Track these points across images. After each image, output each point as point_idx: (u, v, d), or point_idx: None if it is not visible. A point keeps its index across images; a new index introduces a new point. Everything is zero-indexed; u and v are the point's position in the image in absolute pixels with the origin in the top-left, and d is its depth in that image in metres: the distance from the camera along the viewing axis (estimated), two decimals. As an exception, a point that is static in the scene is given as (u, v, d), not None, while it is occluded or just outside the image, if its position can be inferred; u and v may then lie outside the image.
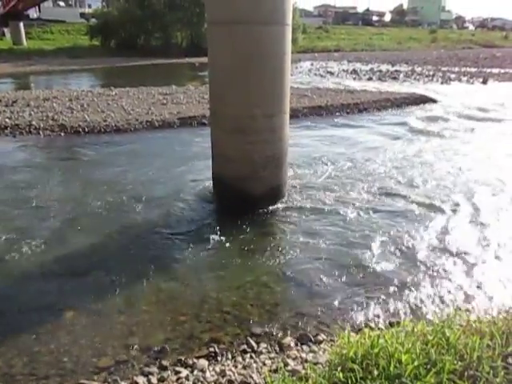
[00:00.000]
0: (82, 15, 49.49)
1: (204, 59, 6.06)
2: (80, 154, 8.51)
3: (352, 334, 3.15)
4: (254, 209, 5.73)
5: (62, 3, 53.34)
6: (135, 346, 3.31)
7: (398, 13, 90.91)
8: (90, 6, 53.97)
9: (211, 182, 6.41)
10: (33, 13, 44.88)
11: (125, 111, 11.64)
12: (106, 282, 4.19)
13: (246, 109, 5.59)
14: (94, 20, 41.05)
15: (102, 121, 10.52)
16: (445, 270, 4.51)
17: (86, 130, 10.04)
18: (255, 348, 3.27)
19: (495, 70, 26.30)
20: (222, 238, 5.10)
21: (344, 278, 4.32)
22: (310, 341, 3.35)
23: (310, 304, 3.91)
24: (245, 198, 5.72)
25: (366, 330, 2.49)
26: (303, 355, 3.12)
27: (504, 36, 68.97)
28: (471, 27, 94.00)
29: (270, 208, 5.87)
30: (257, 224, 5.46)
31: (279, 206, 5.98)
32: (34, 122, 10.22)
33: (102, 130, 10.11)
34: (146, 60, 30.68)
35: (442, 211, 5.94)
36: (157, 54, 32.94)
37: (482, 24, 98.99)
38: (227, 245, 4.92)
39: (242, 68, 5.45)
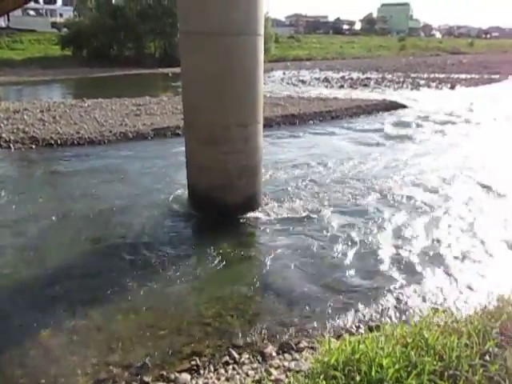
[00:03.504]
0: (53, 25, 48.72)
1: (177, 69, 6.07)
2: (52, 168, 8.35)
3: (333, 340, 3.17)
4: (230, 218, 5.73)
5: (32, 12, 52.39)
6: (115, 363, 3.24)
7: (368, 21, 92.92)
8: (61, 16, 53.17)
9: (187, 192, 6.38)
10: (1, 22, 43.92)
11: (98, 123, 11.49)
12: (82, 299, 4.10)
13: (220, 119, 5.61)
14: (65, 29, 40.47)
15: (74, 133, 10.34)
16: (420, 271, 4.61)
17: (59, 142, 9.85)
18: (237, 359, 3.25)
19: (462, 76, 27.13)
20: (199, 249, 5.07)
21: (322, 285, 4.35)
22: (292, 349, 3.35)
23: (290, 312, 3.92)
24: (221, 208, 5.71)
25: (347, 336, 2.51)
26: (286, 364, 3.12)
27: (469, 43, 71.29)
28: (438, 35, 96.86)
29: (246, 217, 5.88)
30: (233, 234, 5.45)
31: (255, 215, 5.98)
32: (3, 135, 9.96)
33: (75, 142, 9.93)
34: (119, 70, 30.40)
35: (416, 213, 6.06)
36: (130, 64, 32.67)
37: (449, 32, 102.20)
38: (204, 256, 4.89)
39: (214, 78, 5.48)
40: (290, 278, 4.46)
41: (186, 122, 6.24)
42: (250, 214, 5.96)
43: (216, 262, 4.75)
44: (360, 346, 2.04)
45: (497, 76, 27.18)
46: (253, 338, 3.54)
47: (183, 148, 6.25)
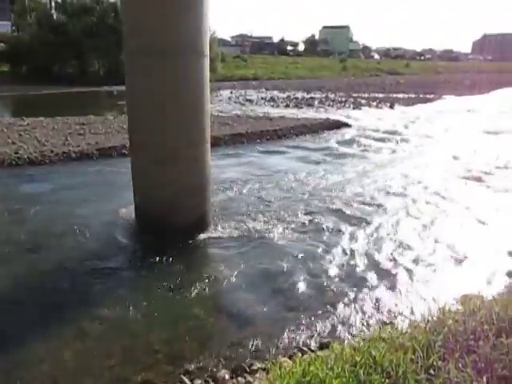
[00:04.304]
0: (-11, 39, 46.60)
1: (123, 87, 5.98)
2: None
3: (285, 359, 3.20)
4: (179, 240, 5.64)
5: (-36, 26, 49.84)
6: (59, 398, 3.08)
7: (311, 43, 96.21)
8: (-3, 29, 50.98)
9: (134, 214, 6.24)
10: None
11: (39, 142, 11.02)
12: (24, 328, 3.88)
13: (167, 139, 5.57)
14: (2, 44, 38.79)
15: (12, 153, 9.83)
16: (369, 284, 4.75)
17: (-5, 163, 9.35)
18: (189, 386, 3.18)
19: (400, 96, 28.61)
20: (148, 272, 4.96)
21: (274, 304, 4.38)
22: (246, 371, 3.33)
23: (243, 333, 3.91)
24: (170, 230, 5.61)
25: (298, 357, 2.53)
26: (239, 387, 3.09)
27: (406, 64, 75.53)
28: (376, 56, 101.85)
29: (196, 238, 5.82)
30: (183, 255, 5.38)
31: (205, 235, 5.94)
32: None
33: (13, 162, 9.45)
34: (62, 88, 29.40)
35: (363, 227, 6.26)
36: (73, 82, 31.70)
37: (386, 53, 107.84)
38: (154, 279, 4.78)
39: (160, 98, 5.45)
40: (242, 299, 4.45)
41: (131, 142, 6.15)
42: (200, 234, 5.92)
43: (166, 285, 4.65)
44: (310, 367, 2.07)
45: (432, 96, 28.90)
46: (205, 362, 3.48)
47: (129, 168, 6.13)
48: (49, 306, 4.25)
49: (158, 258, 5.23)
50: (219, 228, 6.18)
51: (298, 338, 3.85)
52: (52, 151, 10.22)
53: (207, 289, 4.64)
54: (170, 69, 5.39)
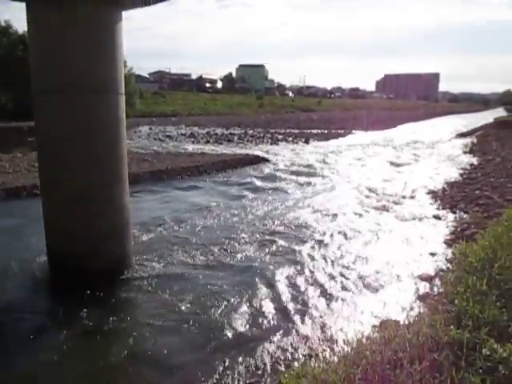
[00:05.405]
0: None
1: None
2: None
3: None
4: (98, 285, 5.34)
5: None
6: None
7: (229, 80, 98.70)
8: None
9: (47, 260, 5.83)
10: None
11: None
12: None
13: (80, 178, 5.38)
14: None
15: None
16: (292, 320, 4.81)
17: None
18: None
19: (314, 131, 30.13)
20: (64, 322, 4.62)
21: (199, 346, 4.28)
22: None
23: (168, 379, 3.76)
24: (86, 275, 5.30)
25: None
26: None
27: (318, 102, 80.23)
28: (291, 94, 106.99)
29: (116, 281, 5.57)
30: (103, 301, 5.10)
31: (126, 277, 5.72)
32: None
33: None
34: (-38, 124, 27.23)
35: (281, 261, 6.36)
36: (-25, 118, 29.51)
37: (300, 91, 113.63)
38: (71, 330, 4.46)
39: (73, 137, 5.29)
40: (166, 344, 4.29)
41: (42, 181, 5.82)
42: (121, 277, 5.69)
43: (85, 335, 4.38)
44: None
45: (342, 131, 30.78)
46: (126, 416, 3.28)
47: (41, 210, 5.77)
48: None
49: (74, 306, 4.90)
50: (141, 269, 5.98)
51: (225, 380, 3.76)
52: (-51, 194, 9.36)
53: (128, 334, 4.42)
54: (80, 107, 5.26)
